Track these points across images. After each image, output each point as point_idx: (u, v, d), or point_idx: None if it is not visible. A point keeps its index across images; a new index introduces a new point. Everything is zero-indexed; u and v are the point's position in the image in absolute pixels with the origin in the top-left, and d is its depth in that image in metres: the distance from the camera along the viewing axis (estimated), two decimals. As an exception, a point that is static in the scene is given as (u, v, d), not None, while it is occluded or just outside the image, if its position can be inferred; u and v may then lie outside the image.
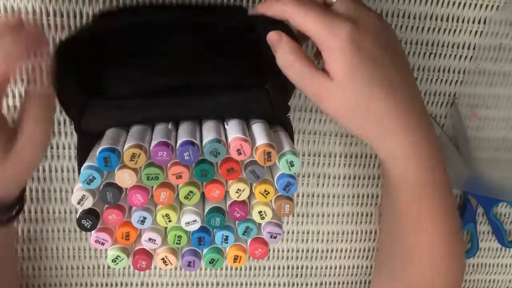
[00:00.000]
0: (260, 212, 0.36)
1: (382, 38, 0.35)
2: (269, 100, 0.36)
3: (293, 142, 0.37)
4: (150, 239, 0.36)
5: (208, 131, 0.34)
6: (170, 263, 0.37)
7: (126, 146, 0.33)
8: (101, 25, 0.38)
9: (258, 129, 0.35)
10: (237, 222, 0.38)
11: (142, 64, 0.37)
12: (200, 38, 0.38)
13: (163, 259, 0.37)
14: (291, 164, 0.34)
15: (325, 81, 0.35)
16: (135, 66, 0.37)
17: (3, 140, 0.34)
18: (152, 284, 0.53)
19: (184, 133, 0.34)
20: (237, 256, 0.38)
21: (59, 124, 0.46)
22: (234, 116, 0.36)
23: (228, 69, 0.37)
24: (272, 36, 0.36)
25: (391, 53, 0.36)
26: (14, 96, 0.45)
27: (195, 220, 0.36)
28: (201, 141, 0.34)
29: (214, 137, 0.33)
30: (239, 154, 0.33)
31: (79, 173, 0.36)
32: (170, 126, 0.35)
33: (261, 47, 0.37)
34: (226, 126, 0.36)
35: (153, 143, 0.33)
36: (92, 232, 0.35)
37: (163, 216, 0.35)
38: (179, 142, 0.33)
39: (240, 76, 0.37)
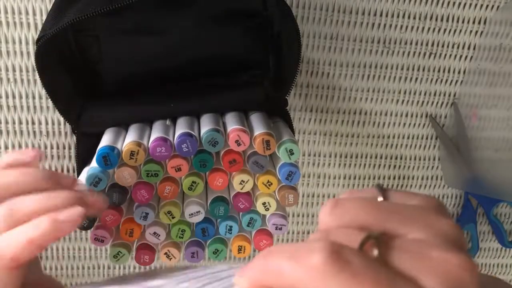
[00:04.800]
0: (264, 203, 0.36)
1: None
2: (267, 96, 0.36)
3: (293, 133, 0.37)
4: (155, 233, 0.36)
5: (206, 123, 0.34)
6: (174, 257, 0.37)
7: (124, 144, 0.33)
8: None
9: (256, 119, 0.36)
10: (241, 213, 0.37)
11: (140, 47, 0.37)
12: (196, 10, 0.38)
13: (166, 253, 0.37)
14: (291, 153, 0.34)
15: None
16: (133, 50, 0.37)
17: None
18: (152, 285, 0.53)
19: (182, 126, 0.34)
20: (242, 247, 0.37)
21: (59, 124, 0.46)
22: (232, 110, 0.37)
23: (230, 47, 0.37)
24: None
25: None
26: (14, 97, 0.45)
27: (199, 211, 0.35)
28: (200, 134, 0.34)
29: (212, 127, 0.33)
30: (239, 145, 0.33)
31: (77, 175, 0.36)
32: (168, 122, 0.35)
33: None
34: (224, 120, 0.36)
35: (152, 139, 0.33)
36: (91, 230, 0.35)
37: (165, 214, 0.35)
38: (177, 134, 0.33)
39: (242, 55, 0.37)
